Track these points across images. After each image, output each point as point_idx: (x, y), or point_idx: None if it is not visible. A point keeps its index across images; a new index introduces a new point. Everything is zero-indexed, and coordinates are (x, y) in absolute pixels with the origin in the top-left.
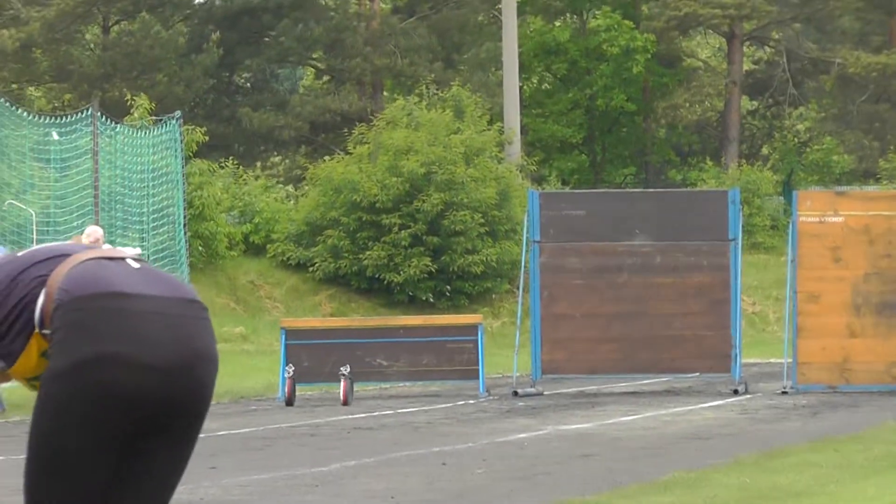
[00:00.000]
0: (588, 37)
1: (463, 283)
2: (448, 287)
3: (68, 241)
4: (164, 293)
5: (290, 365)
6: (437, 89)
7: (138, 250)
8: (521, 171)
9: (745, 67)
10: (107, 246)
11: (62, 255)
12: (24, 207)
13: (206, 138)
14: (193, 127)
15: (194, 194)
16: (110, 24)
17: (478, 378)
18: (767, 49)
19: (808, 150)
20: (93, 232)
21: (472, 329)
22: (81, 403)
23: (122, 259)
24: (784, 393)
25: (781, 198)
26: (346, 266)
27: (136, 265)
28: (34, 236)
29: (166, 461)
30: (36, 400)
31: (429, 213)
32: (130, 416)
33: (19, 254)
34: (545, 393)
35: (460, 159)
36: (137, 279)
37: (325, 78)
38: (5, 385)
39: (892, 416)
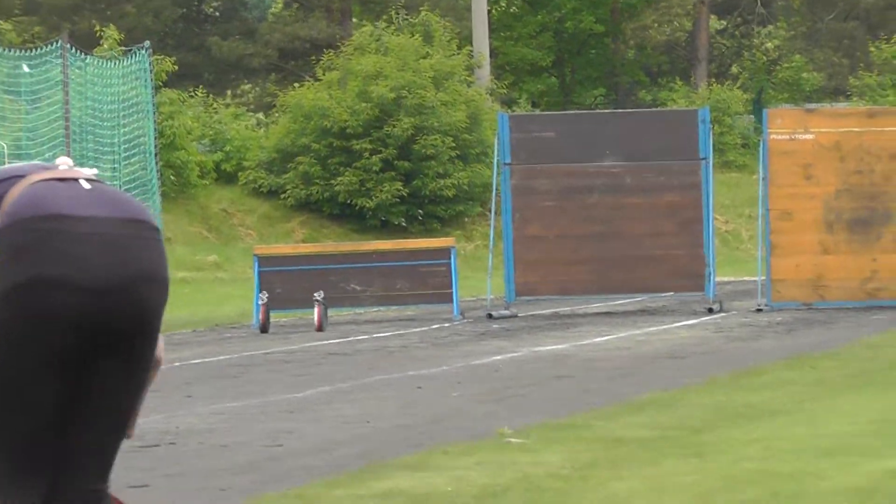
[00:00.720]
0: None
1: (435, 206)
2: (420, 211)
3: (29, 163)
4: (109, 214)
5: (264, 292)
6: (406, 14)
7: (94, 171)
8: (490, 95)
9: None
10: (64, 167)
11: (17, 177)
12: None
13: (176, 68)
14: (163, 57)
15: (165, 124)
16: None
17: (452, 301)
18: None
19: (777, 68)
20: (62, 163)
21: (445, 252)
22: (21, 326)
23: (75, 180)
24: (758, 311)
25: (752, 116)
26: (317, 192)
27: (87, 186)
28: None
29: (116, 379)
30: None
31: (399, 138)
32: (70, 337)
33: None
34: (519, 315)
35: (430, 84)
36: (84, 201)
37: (294, 5)
38: None
39: (868, 332)
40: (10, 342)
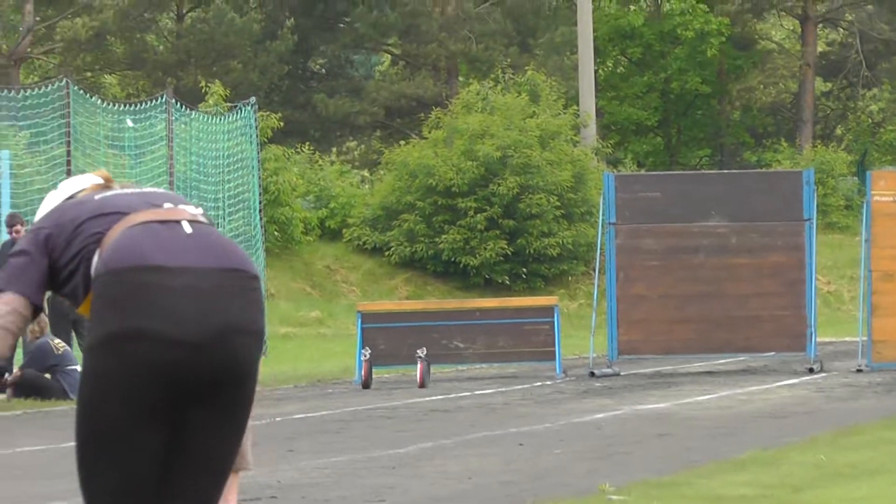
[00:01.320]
0: (662, 20)
1: (539, 265)
2: (524, 270)
3: (134, 193)
4: (207, 263)
5: (367, 348)
6: (513, 73)
7: (199, 210)
8: (596, 154)
9: (819, 49)
10: (169, 204)
11: (120, 214)
12: None
13: (282, 124)
14: (268, 113)
15: (270, 180)
16: (185, 11)
17: (554, 359)
18: (841, 31)
19: (881, 130)
20: (167, 200)
21: (549, 311)
22: (116, 376)
23: (178, 222)
24: (859, 371)
25: (855, 178)
26: (421, 250)
27: (188, 230)
28: None
29: (212, 431)
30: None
31: (504, 197)
32: (165, 389)
33: (87, 199)
34: (621, 373)
35: (536, 143)
36: (183, 248)
37: (401, 63)
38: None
39: None
40: (106, 390)
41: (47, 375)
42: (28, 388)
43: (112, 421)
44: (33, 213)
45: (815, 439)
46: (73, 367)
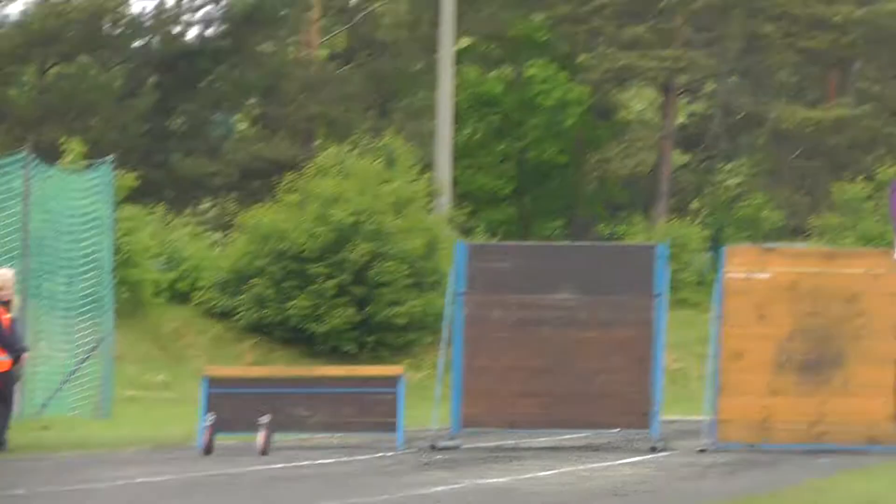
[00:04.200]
0: (523, 88)
1: (386, 334)
2: (371, 338)
3: None
4: None
5: (211, 413)
6: (372, 137)
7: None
8: (449, 223)
9: (679, 120)
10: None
11: None
12: None
13: (137, 183)
14: (125, 172)
15: (123, 240)
16: (48, 66)
17: (395, 430)
18: (702, 103)
19: (738, 205)
20: (1, 275)
21: (393, 381)
22: None
23: None
24: (703, 451)
25: (710, 253)
26: (270, 315)
27: None
28: None
29: None
30: None
31: (355, 263)
32: None
33: None
34: (463, 446)
35: (389, 209)
36: None
37: (259, 125)
38: None
39: (812, 475)
40: None
41: None
42: None
43: None
44: None
45: None
46: None
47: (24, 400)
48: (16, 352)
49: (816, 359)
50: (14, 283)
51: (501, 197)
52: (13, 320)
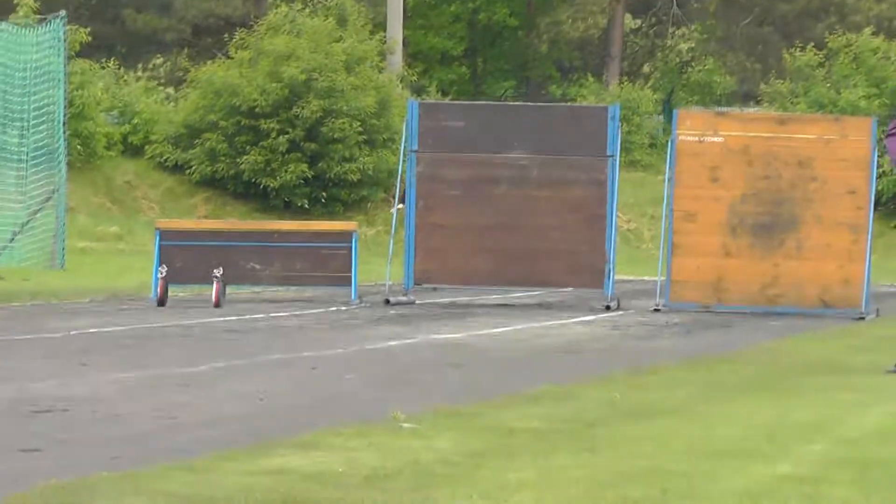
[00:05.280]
0: None
1: (339, 190)
2: (324, 194)
3: None
4: None
5: (164, 266)
6: None
7: None
8: (401, 82)
9: None
10: None
11: None
12: None
13: (90, 39)
14: (77, 27)
15: (75, 93)
16: None
17: (350, 285)
18: None
19: (689, 70)
20: None
21: (347, 236)
22: None
23: None
24: (656, 311)
25: (661, 117)
26: (223, 169)
27: None
28: None
29: None
30: None
31: (308, 120)
32: None
33: None
34: (417, 302)
35: (341, 67)
36: None
37: None
38: None
39: (765, 337)
40: None
41: None
42: None
43: None
44: None
45: (610, 376)
46: None
47: None
48: None
49: (769, 222)
50: None
51: (453, 57)
52: None
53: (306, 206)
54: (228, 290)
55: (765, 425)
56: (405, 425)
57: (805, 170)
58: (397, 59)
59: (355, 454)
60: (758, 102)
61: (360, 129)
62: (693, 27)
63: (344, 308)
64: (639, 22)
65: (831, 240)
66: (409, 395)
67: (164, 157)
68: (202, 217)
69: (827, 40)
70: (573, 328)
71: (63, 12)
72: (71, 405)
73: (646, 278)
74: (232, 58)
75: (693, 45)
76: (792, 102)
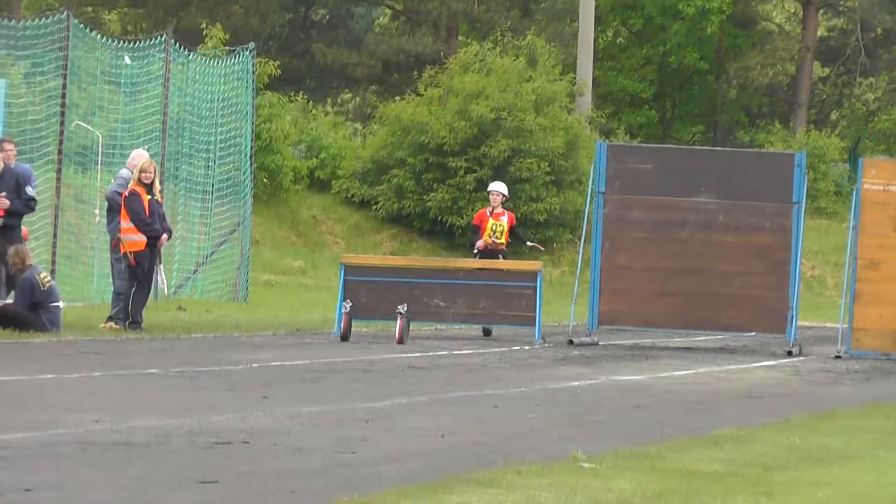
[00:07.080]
0: None
1: (525, 230)
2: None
3: None
4: None
5: (348, 300)
6: (512, 37)
7: None
8: (589, 123)
9: (819, 34)
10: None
11: None
12: (91, 129)
13: (279, 72)
14: (266, 60)
15: (263, 126)
16: None
17: (534, 324)
18: (842, 17)
19: (875, 119)
20: (137, 156)
21: (532, 275)
22: None
23: None
24: (838, 357)
25: (846, 165)
26: (409, 206)
27: None
28: (99, 158)
29: None
30: None
31: (495, 159)
32: None
33: None
34: (600, 343)
35: (530, 107)
36: None
37: (401, 19)
38: (63, 305)
39: None
40: None
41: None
42: (8, 320)
43: None
44: (23, 142)
45: (790, 421)
46: (57, 303)
47: (164, 282)
48: (153, 233)
49: None
50: (156, 167)
51: (642, 100)
52: (152, 202)
53: None
54: (412, 326)
55: None
56: (585, 465)
57: None
58: (586, 101)
59: (535, 493)
60: None
61: (547, 169)
62: (881, 76)
63: (527, 347)
64: (827, 70)
65: None
66: (591, 436)
67: (351, 193)
68: (387, 253)
69: None
70: (755, 373)
71: (252, 45)
72: (251, 437)
73: (828, 325)
74: (421, 95)
75: (880, 94)
76: None
